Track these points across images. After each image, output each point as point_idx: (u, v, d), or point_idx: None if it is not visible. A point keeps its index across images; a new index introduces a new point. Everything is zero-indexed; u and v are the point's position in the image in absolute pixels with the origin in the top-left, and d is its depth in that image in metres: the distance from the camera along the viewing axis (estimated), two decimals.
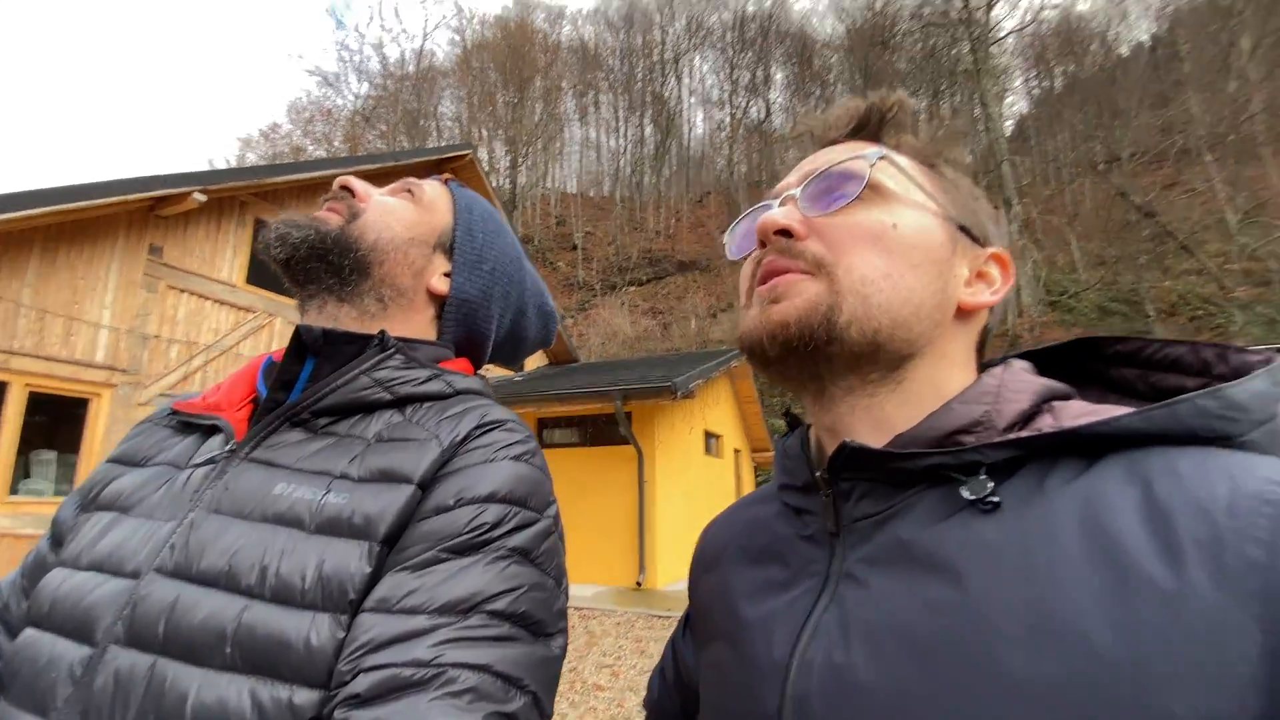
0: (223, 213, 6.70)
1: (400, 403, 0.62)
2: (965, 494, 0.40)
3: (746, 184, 39.96)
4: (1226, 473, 0.35)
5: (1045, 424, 0.41)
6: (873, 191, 0.47)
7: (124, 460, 0.65)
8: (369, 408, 0.61)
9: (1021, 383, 0.45)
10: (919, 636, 0.38)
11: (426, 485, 0.54)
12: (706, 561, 0.60)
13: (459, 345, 0.75)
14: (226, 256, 6.73)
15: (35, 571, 0.61)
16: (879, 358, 0.45)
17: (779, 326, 0.45)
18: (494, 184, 11.14)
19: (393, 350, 0.63)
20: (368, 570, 0.50)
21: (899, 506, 0.43)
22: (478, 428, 0.59)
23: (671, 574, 8.28)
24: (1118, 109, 30.18)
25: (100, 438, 5.56)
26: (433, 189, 0.77)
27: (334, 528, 0.51)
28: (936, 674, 0.37)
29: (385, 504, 0.52)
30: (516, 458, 0.58)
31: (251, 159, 36.48)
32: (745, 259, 0.54)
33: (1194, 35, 28.64)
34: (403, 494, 0.53)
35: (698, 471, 10.11)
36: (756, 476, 16.15)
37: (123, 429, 5.69)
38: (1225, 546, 0.32)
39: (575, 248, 36.24)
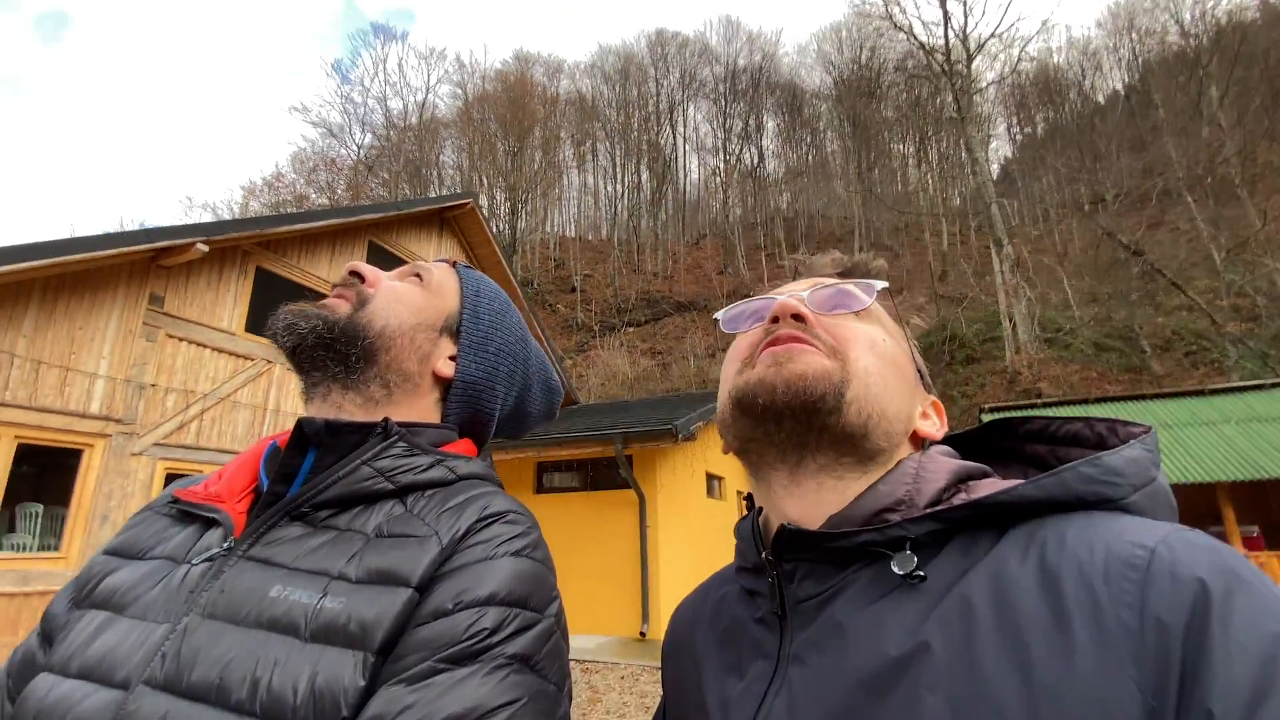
0: (225, 262, 6.75)
1: (402, 492, 0.61)
2: (895, 569, 0.43)
3: (741, 226, 40.77)
4: (1103, 538, 0.38)
5: (960, 499, 0.45)
6: (868, 313, 0.56)
7: (122, 552, 0.63)
8: (370, 498, 0.60)
9: (938, 465, 0.49)
10: (860, 717, 0.40)
11: (425, 588, 0.53)
12: (675, 645, 0.62)
13: (463, 425, 0.75)
14: (227, 305, 6.75)
15: (23, 671, 0.59)
16: (861, 445, 0.49)
17: (798, 377, 0.48)
18: (494, 229, 11.30)
19: (395, 438, 0.63)
20: (361, 684, 0.48)
21: (837, 586, 0.46)
22: (478, 521, 0.58)
23: None
24: (1099, 153, 31.15)
25: (91, 489, 5.44)
26: (441, 273, 0.78)
27: (329, 635, 0.50)
28: None
29: (382, 609, 0.51)
30: (517, 553, 0.57)
31: (255, 207, 37.09)
32: (739, 335, 0.59)
33: (1165, 85, 29.81)
34: (400, 598, 0.52)
35: (700, 514, 9.93)
36: None
37: (115, 481, 5.58)
38: (1103, 612, 0.35)
39: (574, 290, 36.60)
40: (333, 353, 0.66)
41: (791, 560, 0.48)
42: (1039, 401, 12.36)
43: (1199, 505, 9.74)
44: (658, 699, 5.48)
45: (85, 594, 0.60)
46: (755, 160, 45.29)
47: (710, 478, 10.91)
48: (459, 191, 13.00)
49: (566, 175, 46.57)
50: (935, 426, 0.55)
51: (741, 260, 37.77)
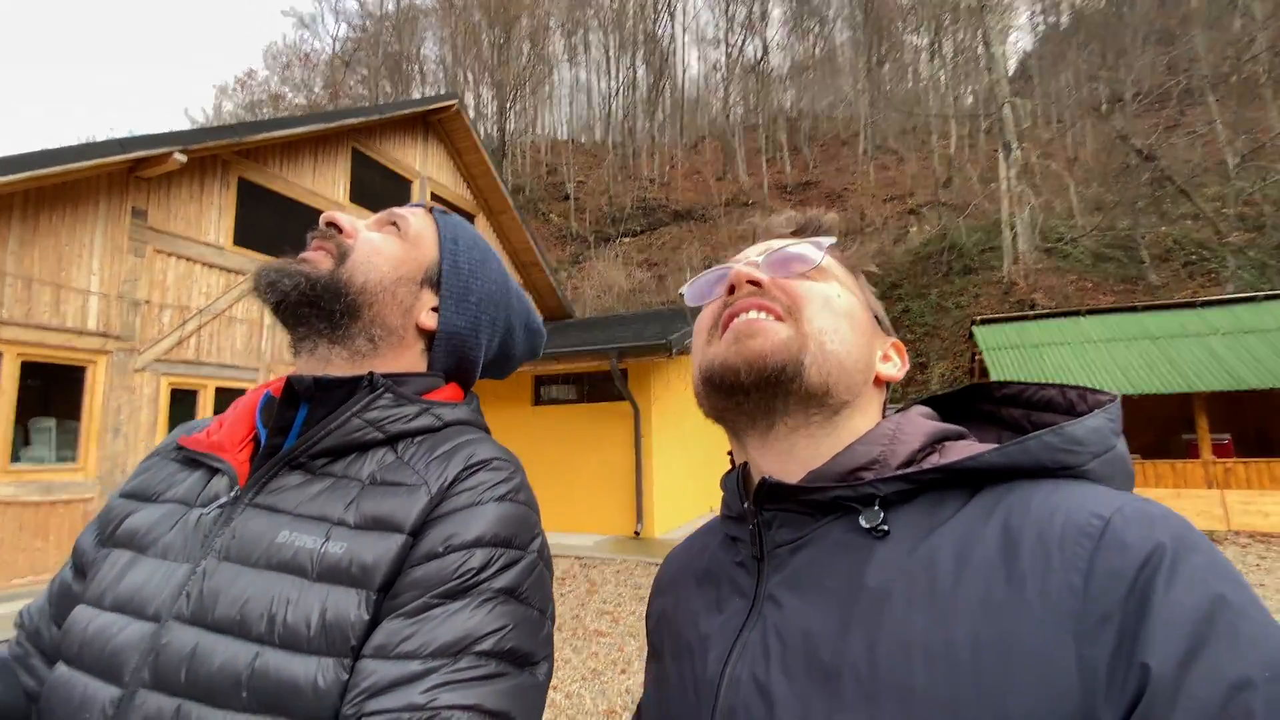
0: (205, 173, 6.53)
1: (392, 440, 0.64)
2: (862, 522, 0.46)
3: (743, 127, 38.89)
4: (1063, 506, 0.40)
5: (932, 461, 0.48)
6: (820, 270, 0.57)
7: (137, 495, 0.67)
8: (363, 447, 0.63)
9: (915, 426, 0.52)
10: (822, 657, 0.43)
11: (417, 533, 0.57)
12: (663, 586, 0.66)
13: (449, 372, 0.77)
14: (212, 218, 6.60)
15: (62, 601, 0.65)
16: (825, 401, 0.52)
17: (757, 356, 0.51)
18: (481, 132, 10.81)
19: (382, 390, 0.65)
20: (366, 618, 0.53)
21: (811, 535, 0.49)
22: (465, 469, 0.61)
23: (668, 523, 8.54)
24: (1123, 47, 29.21)
25: (100, 404, 5.60)
26: (418, 220, 0.77)
27: (334, 576, 0.55)
28: (834, 692, 0.41)
29: (379, 553, 0.55)
30: (501, 498, 0.60)
31: (229, 108, 35.12)
32: (704, 306, 0.61)
33: None
34: (395, 543, 0.56)
35: (693, 423, 10.27)
36: None
37: (121, 396, 5.72)
38: (1053, 573, 0.37)
39: (567, 198, 35.49)
40: (317, 309, 0.67)
41: (771, 510, 0.51)
42: (1031, 313, 12.40)
43: (1174, 413, 10.10)
44: (650, 588, 5.98)
45: (110, 534, 0.64)
46: (759, 53, 42.42)
47: None
48: (443, 93, 12.27)
49: (557, 70, 43.75)
50: (896, 368, 0.58)
51: (742, 165, 36.36)
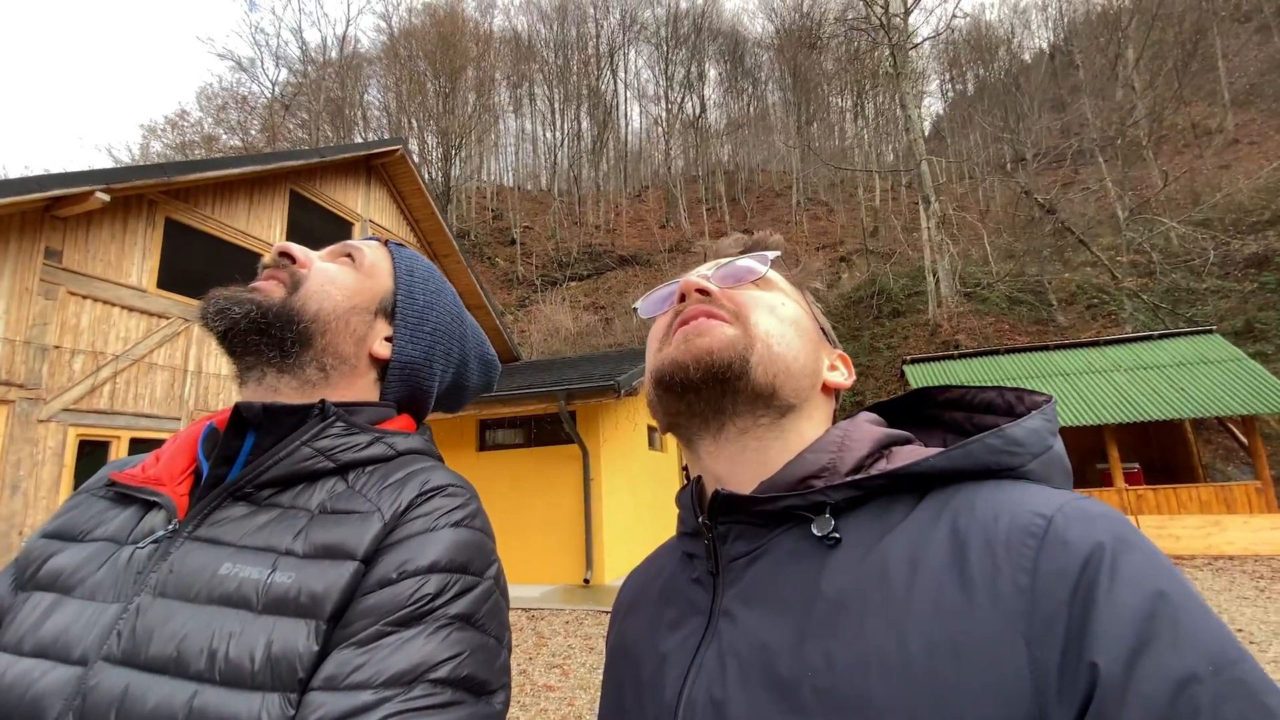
0: (129, 212, 6.23)
1: (343, 469, 0.63)
2: (814, 531, 0.46)
3: (684, 178, 40.40)
4: (1006, 507, 0.41)
5: (880, 468, 0.49)
6: (766, 281, 0.60)
7: (61, 535, 0.63)
8: (312, 477, 0.61)
9: (863, 432, 0.52)
10: (779, 670, 0.42)
11: (370, 560, 0.56)
12: (622, 608, 0.65)
13: (401, 402, 0.76)
14: (135, 260, 6.27)
15: None
16: (772, 403, 0.53)
17: (704, 352, 0.52)
18: (426, 176, 10.78)
19: (333, 418, 0.64)
20: (315, 649, 0.51)
21: (765, 546, 0.49)
22: (419, 496, 0.60)
23: (619, 569, 8.37)
24: (1022, 112, 32.40)
25: None
26: (373, 252, 0.77)
27: (281, 607, 0.52)
28: (793, 706, 0.41)
29: (330, 582, 0.54)
30: (456, 524, 0.59)
31: (157, 149, 33.74)
32: (657, 317, 0.63)
33: (1086, 45, 31.09)
34: (346, 570, 0.54)
35: (642, 465, 10.24)
36: None
37: (23, 448, 5.23)
38: (1001, 575, 0.38)
39: (514, 242, 35.59)
40: (267, 337, 0.65)
41: (726, 523, 0.51)
42: (956, 353, 13.19)
43: (1088, 445, 10.82)
44: (600, 640, 5.75)
45: (29, 576, 0.60)
46: (697, 110, 44.57)
47: (652, 430, 11.20)
48: (387, 138, 12.23)
49: (503, 120, 44.50)
50: (843, 376, 0.59)
51: (683, 213, 37.61)
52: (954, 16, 22.36)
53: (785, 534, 0.49)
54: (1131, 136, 22.86)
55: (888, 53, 19.88)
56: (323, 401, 0.64)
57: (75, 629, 0.54)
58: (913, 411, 0.61)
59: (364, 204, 9.62)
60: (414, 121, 37.44)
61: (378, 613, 0.53)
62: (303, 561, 0.55)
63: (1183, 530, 9.25)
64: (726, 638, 0.47)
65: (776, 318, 0.56)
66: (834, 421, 0.58)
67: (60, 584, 0.58)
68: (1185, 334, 11.69)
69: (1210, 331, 11.60)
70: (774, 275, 0.61)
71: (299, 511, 0.59)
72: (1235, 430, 10.36)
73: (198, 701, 0.48)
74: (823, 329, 0.62)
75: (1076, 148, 25.81)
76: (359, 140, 35.48)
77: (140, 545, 0.58)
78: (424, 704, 0.49)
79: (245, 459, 0.62)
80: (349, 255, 0.75)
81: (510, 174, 46.32)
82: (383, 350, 0.73)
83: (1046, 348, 12.40)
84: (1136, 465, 10.61)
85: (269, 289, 0.68)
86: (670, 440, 12.52)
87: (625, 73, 46.73)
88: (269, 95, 35.82)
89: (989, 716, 0.35)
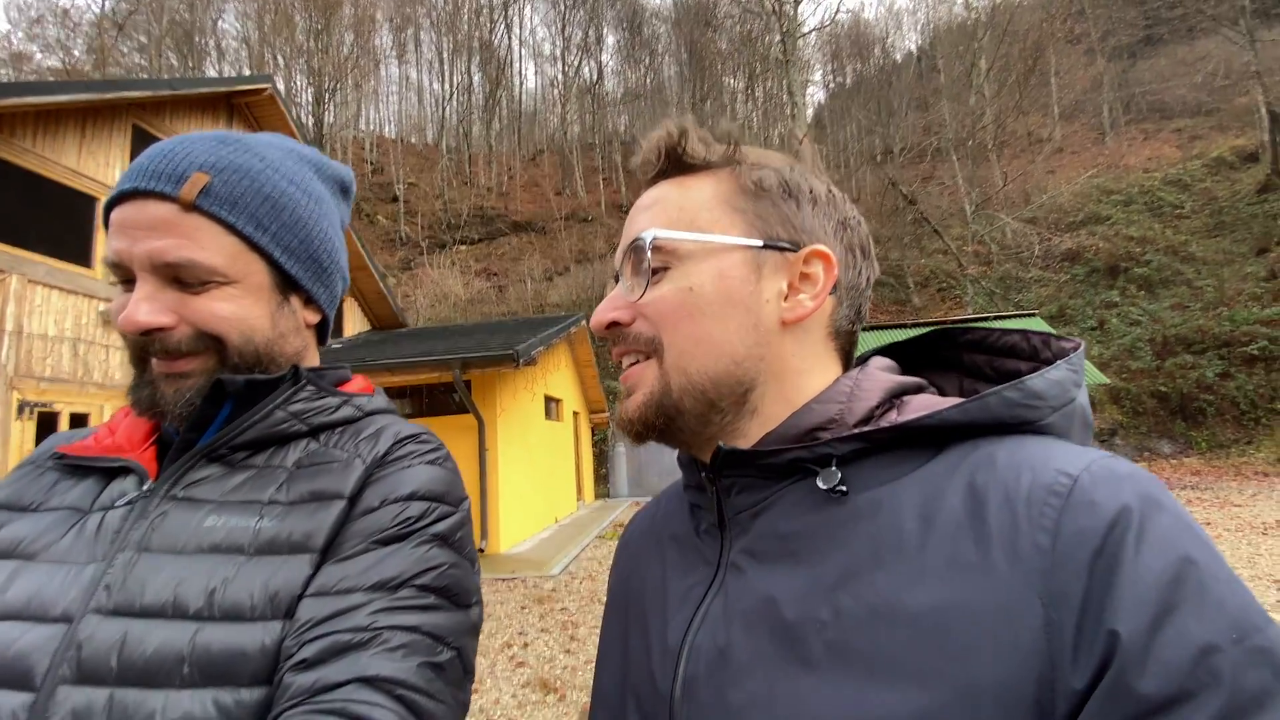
0: None
1: (315, 432, 0.66)
2: (820, 484, 0.45)
3: (580, 145, 39.73)
4: (1029, 464, 0.39)
5: (890, 419, 0.47)
6: (672, 256, 0.51)
7: (10, 506, 0.63)
8: (284, 439, 0.64)
9: (873, 381, 0.49)
10: (786, 622, 0.42)
11: (355, 497, 0.60)
12: (629, 545, 0.66)
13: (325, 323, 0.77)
14: None
15: None
16: (719, 405, 0.50)
17: (627, 424, 0.53)
18: (295, 119, 9.78)
19: (304, 383, 0.66)
20: (309, 573, 0.55)
21: (771, 499, 0.48)
22: (395, 443, 0.65)
23: (514, 537, 8.44)
24: (892, 109, 35.22)
25: None
26: (204, 247, 0.61)
27: (274, 548, 0.55)
28: (799, 657, 0.41)
29: (320, 520, 0.57)
30: (431, 462, 0.65)
31: None
32: None
33: (948, 52, 34.25)
34: (335, 508, 0.58)
35: (539, 435, 10.28)
36: (594, 437, 16.74)
37: None
38: (1020, 533, 0.36)
39: (396, 199, 33.32)
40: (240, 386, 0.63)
41: (730, 476, 0.49)
42: None
43: None
44: (497, 606, 5.72)
45: None
46: (594, 76, 43.79)
47: (549, 400, 11.23)
48: (249, 74, 10.97)
49: (385, 66, 41.15)
50: (812, 295, 0.50)
51: (580, 181, 37.12)
52: (838, 10, 23.65)
53: (791, 486, 0.47)
54: (980, 139, 25.69)
55: (778, 39, 20.68)
56: (295, 367, 0.67)
57: (49, 590, 0.54)
58: (929, 353, 0.57)
59: None
60: (280, 58, 33.56)
61: (364, 534, 0.57)
62: (289, 508, 0.58)
63: None
64: (733, 589, 0.47)
65: (687, 317, 0.49)
66: (838, 334, 0.53)
67: (21, 551, 0.58)
68: (1012, 316, 13.62)
69: (1032, 315, 13.62)
70: (668, 245, 0.51)
71: (276, 469, 0.62)
72: None
73: (200, 638, 0.51)
74: (767, 244, 0.50)
75: (936, 146, 28.57)
76: (212, 75, 31.23)
77: (113, 507, 0.59)
78: (410, 604, 0.54)
79: (220, 425, 0.64)
80: (176, 279, 0.60)
81: (392, 125, 43.29)
82: (313, 317, 0.73)
83: (904, 325, 13.88)
84: None
85: (190, 370, 0.62)
86: (566, 410, 12.62)
87: (520, 29, 44.89)
88: (97, 11, 30.30)
89: (1000, 675, 0.34)
